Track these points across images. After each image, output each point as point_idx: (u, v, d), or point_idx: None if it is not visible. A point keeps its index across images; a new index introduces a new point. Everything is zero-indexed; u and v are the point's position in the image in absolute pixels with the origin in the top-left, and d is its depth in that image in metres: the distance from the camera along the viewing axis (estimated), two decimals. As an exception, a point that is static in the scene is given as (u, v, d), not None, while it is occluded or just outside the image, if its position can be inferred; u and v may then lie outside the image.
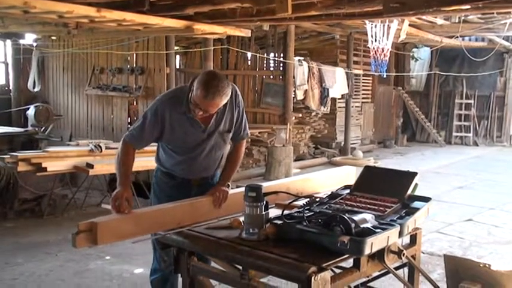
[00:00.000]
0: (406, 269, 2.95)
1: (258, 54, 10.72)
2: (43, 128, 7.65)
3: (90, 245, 2.52)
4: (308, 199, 2.91)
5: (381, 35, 8.71)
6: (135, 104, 8.89)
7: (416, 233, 2.92)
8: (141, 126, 3.08)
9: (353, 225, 2.34)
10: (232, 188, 3.21)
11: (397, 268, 2.79)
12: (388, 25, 8.57)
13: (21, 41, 9.77)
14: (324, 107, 11.44)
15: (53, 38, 9.52)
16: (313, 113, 11.54)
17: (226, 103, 3.06)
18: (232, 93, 3.09)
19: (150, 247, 3.41)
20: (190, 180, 3.25)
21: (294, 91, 10.45)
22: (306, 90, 10.79)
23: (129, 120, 8.83)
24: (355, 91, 12.73)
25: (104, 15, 5.76)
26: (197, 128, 3.09)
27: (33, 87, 9.83)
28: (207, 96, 2.85)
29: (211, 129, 3.13)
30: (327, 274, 2.24)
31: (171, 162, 3.25)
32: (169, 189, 3.28)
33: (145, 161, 6.70)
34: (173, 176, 3.27)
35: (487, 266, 2.96)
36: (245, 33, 7.79)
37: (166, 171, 3.30)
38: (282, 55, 10.47)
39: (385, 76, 10.79)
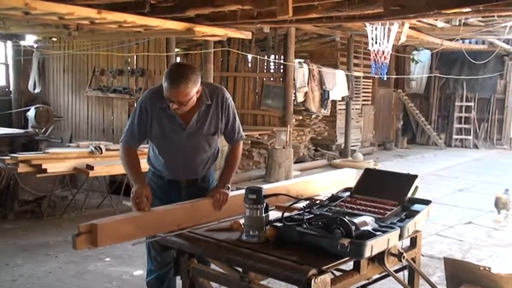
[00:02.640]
0: (406, 272, 2.95)
1: (258, 57, 10.73)
2: (43, 130, 7.65)
3: (90, 246, 2.51)
4: (308, 201, 2.91)
5: (382, 37, 8.71)
6: (135, 105, 8.89)
7: (416, 236, 2.92)
8: (130, 125, 3.16)
9: (353, 227, 2.34)
10: (232, 190, 3.21)
11: (397, 271, 2.79)
12: (388, 28, 8.58)
13: (22, 43, 9.78)
14: (324, 109, 11.44)
15: (54, 39, 9.54)
16: (314, 115, 11.54)
17: (209, 104, 3.08)
18: (218, 94, 3.14)
19: (150, 249, 3.40)
20: (179, 181, 3.25)
21: (294, 93, 10.46)
22: (306, 92, 10.79)
23: (129, 122, 8.83)
24: (356, 93, 12.74)
25: (104, 17, 5.76)
26: (176, 125, 3.08)
27: (34, 89, 9.85)
28: (172, 85, 2.86)
29: (192, 129, 3.11)
30: (327, 277, 2.24)
31: (158, 163, 3.27)
32: (159, 189, 3.27)
33: (145, 162, 6.74)
34: (162, 177, 3.28)
35: (486, 269, 2.97)
36: (246, 35, 7.80)
37: (155, 171, 3.31)
38: (282, 57, 10.47)
39: (385, 78, 10.79)
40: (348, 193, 3.07)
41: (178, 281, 2.98)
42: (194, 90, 2.93)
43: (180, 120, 3.07)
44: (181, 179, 3.25)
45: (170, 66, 3.09)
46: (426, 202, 2.89)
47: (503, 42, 13.39)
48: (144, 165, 3.32)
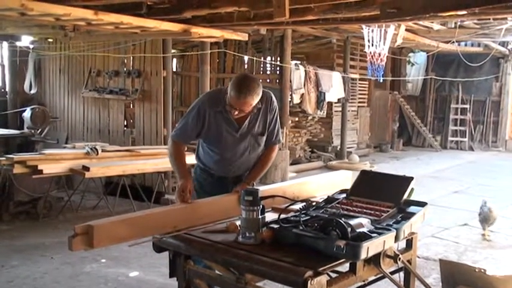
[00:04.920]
0: (401, 274, 2.96)
1: (254, 58, 10.73)
2: (39, 131, 7.63)
3: (86, 248, 2.51)
4: (304, 203, 2.91)
5: (378, 39, 8.73)
6: (131, 107, 8.87)
7: (412, 238, 2.93)
8: (184, 124, 3.35)
9: (349, 229, 2.35)
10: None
11: (392, 273, 2.80)
12: (384, 30, 8.60)
13: (18, 43, 9.74)
14: (321, 111, 11.46)
15: (50, 40, 9.51)
16: (310, 117, 11.55)
17: (260, 107, 3.28)
18: (267, 98, 3.36)
19: (146, 250, 3.41)
20: (227, 178, 3.44)
21: (291, 95, 10.46)
22: (303, 94, 10.80)
23: (125, 123, 8.81)
24: (352, 95, 12.75)
25: (101, 18, 5.75)
26: (231, 127, 3.30)
27: (30, 90, 9.80)
28: (240, 96, 3.08)
29: (244, 130, 3.33)
30: (323, 278, 2.24)
31: (208, 160, 3.45)
32: (208, 185, 3.47)
33: (141, 164, 6.74)
34: (210, 174, 3.47)
35: (482, 270, 2.98)
36: (242, 37, 7.79)
37: (204, 168, 3.49)
38: (278, 59, 10.48)
39: (381, 80, 10.81)
40: (344, 195, 3.08)
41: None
42: (257, 101, 3.18)
43: (235, 123, 3.29)
44: (229, 176, 3.45)
45: (238, 78, 3.23)
46: (422, 204, 2.90)
47: (499, 44, 13.43)
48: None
